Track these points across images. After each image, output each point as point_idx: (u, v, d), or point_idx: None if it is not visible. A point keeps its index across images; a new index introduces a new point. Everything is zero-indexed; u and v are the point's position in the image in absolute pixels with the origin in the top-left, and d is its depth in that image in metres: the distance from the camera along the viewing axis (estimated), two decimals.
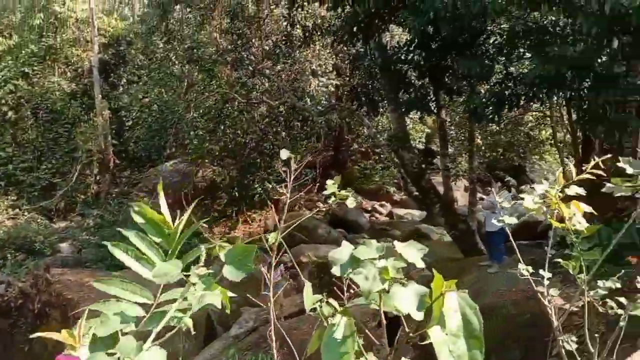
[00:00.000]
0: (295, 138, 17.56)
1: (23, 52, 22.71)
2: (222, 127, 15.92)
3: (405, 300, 1.36)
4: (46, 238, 16.87)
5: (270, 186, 16.49)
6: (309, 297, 1.87)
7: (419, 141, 25.72)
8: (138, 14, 25.17)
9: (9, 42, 23.01)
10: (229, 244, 1.76)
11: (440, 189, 13.18)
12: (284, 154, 2.74)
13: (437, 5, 8.46)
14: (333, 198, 2.63)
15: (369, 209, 23.10)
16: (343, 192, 2.66)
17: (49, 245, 16.51)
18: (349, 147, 26.15)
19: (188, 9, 17.81)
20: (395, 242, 1.44)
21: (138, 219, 1.38)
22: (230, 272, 1.38)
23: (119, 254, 1.36)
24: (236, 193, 17.40)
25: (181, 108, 15.83)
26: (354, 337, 1.39)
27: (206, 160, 18.23)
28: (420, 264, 1.39)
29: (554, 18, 9.00)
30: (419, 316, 1.36)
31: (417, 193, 13.34)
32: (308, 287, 1.93)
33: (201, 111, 16.81)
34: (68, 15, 22.82)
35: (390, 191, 23.98)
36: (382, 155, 22.81)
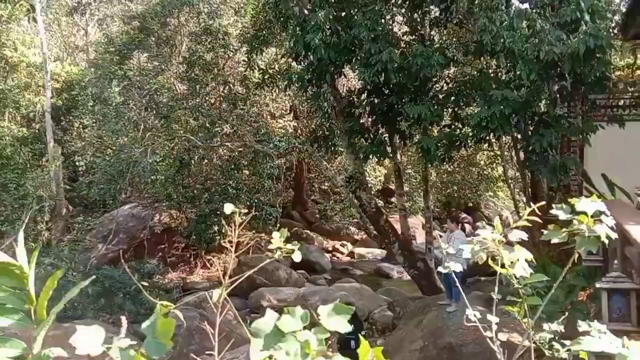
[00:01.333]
0: (260, 174, 17.47)
1: None
2: (184, 174, 15.77)
3: None
4: None
5: (230, 229, 16.19)
6: (256, 355, 1.82)
7: (378, 179, 26.09)
8: (91, 59, 24.96)
9: None
10: (171, 303, 1.74)
11: (399, 228, 13.33)
12: (228, 208, 2.74)
13: (384, 60, 8.93)
14: (279, 253, 2.64)
15: (330, 249, 23.09)
16: (289, 245, 2.67)
17: None
18: (310, 186, 26.26)
19: (145, 55, 17.82)
20: (320, 308, 1.41)
21: None
22: (150, 349, 1.31)
23: None
24: (194, 236, 17.05)
25: (138, 152, 15.60)
26: None
27: (163, 204, 17.88)
28: (346, 329, 1.36)
29: (495, 65, 9.52)
30: None
31: (375, 233, 13.45)
32: (255, 344, 1.88)
33: (161, 155, 16.62)
34: (19, 60, 22.43)
35: (350, 231, 24.07)
36: (342, 195, 23.00)
